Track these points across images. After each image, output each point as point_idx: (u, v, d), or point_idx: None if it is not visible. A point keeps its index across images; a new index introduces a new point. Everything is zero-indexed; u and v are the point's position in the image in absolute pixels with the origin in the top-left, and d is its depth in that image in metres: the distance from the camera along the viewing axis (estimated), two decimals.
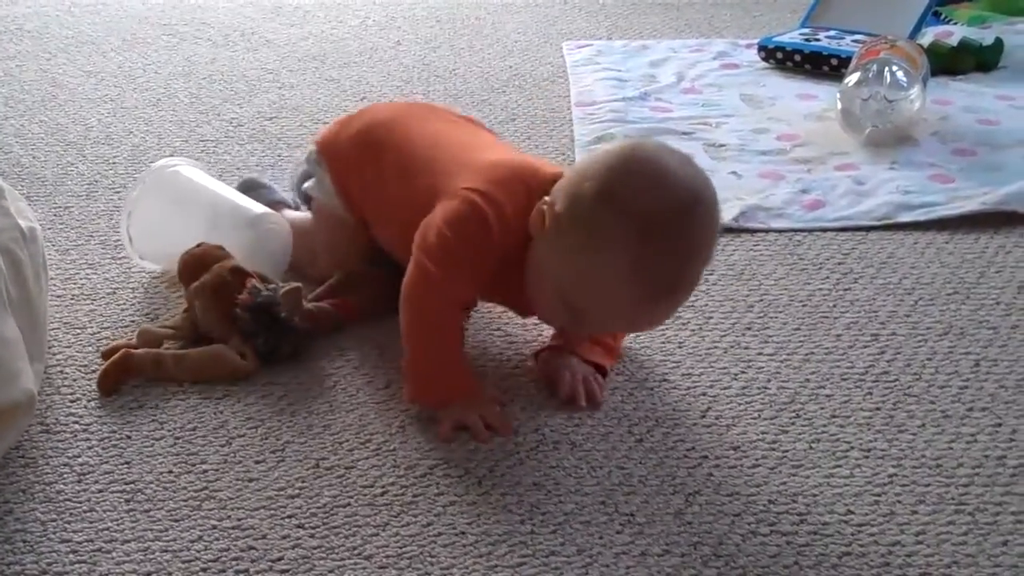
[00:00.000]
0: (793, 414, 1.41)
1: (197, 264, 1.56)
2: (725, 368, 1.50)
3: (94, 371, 1.47)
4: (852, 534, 1.22)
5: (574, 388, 1.42)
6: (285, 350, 1.49)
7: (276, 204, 1.79)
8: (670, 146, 1.40)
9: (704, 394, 1.45)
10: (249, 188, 1.82)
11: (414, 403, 1.41)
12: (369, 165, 1.59)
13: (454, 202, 1.41)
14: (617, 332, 1.50)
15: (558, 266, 1.36)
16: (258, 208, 1.69)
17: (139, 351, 1.46)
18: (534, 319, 1.54)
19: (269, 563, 1.17)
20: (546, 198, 1.38)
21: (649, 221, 1.30)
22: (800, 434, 1.37)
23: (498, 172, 1.45)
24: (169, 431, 1.37)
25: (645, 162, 1.35)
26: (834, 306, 1.65)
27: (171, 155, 2.13)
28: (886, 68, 2.19)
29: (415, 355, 1.41)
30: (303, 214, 1.77)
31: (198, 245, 1.58)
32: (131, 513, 1.24)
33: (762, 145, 2.20)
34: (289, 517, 1.24)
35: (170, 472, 1.30)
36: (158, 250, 1.69)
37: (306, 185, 1.71)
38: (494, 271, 1.42)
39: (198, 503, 1.26)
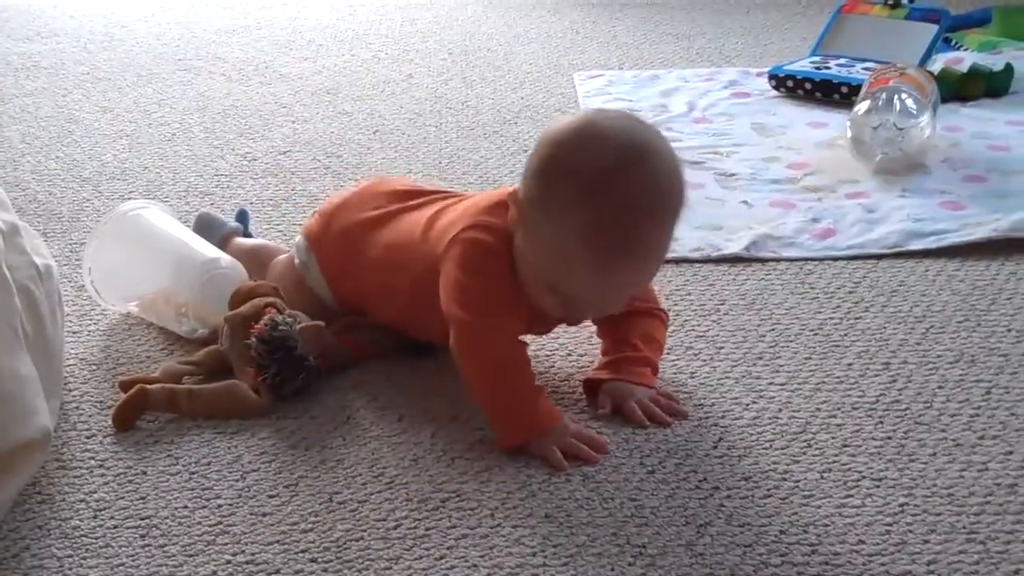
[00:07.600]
0: (804, 444, 1.41)
1: (245, 297, 1.56)
2: (736, 398, 1.51)
3: (109, 407, 1.48)
4: (864, 564, 1.22)
5: (652, 414, 1.44)
6: (294, 386, 1.49)
7: (230, 234, 1.79)
8: (620, 110, 1.40)
9: (716, 424, 1.46)
10: (203, 226, 1.82)
11: (510, 447, 1.39)
12: (355, 260, 1.57)
13: (453, 250, 1.42)
14: (602, 306, 1.45)
15: (532, 251, 1.38)
16: (209, 253, 1.67)
17: (153, 387, 1.47)
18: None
19: None
20: (510, 189, 1.41)
21: (587, 181, 1.31)
22: (811, 464, 1.38)
23: (477, 206, 1.48)
24: (184, 466, 1.38)
25: (580, 127, 1.35)
26: (845, 335, 1.66)
27: (186, 190, 2.15)
28: (896, 96, 2.19)
29: (492, 403, 1.41)
30: (257, 243, 1.81)
31: (256, 281, 1.61)
32: (146, 549, 1.25)
33: (773, 174, 2.20)
34: (303, 552, 1.24)
35: (185, 507, 1.31)
36: (124, 294, 1.70)
37: (297, 262, 1.65)
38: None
39: (212, 538, 1.27)
